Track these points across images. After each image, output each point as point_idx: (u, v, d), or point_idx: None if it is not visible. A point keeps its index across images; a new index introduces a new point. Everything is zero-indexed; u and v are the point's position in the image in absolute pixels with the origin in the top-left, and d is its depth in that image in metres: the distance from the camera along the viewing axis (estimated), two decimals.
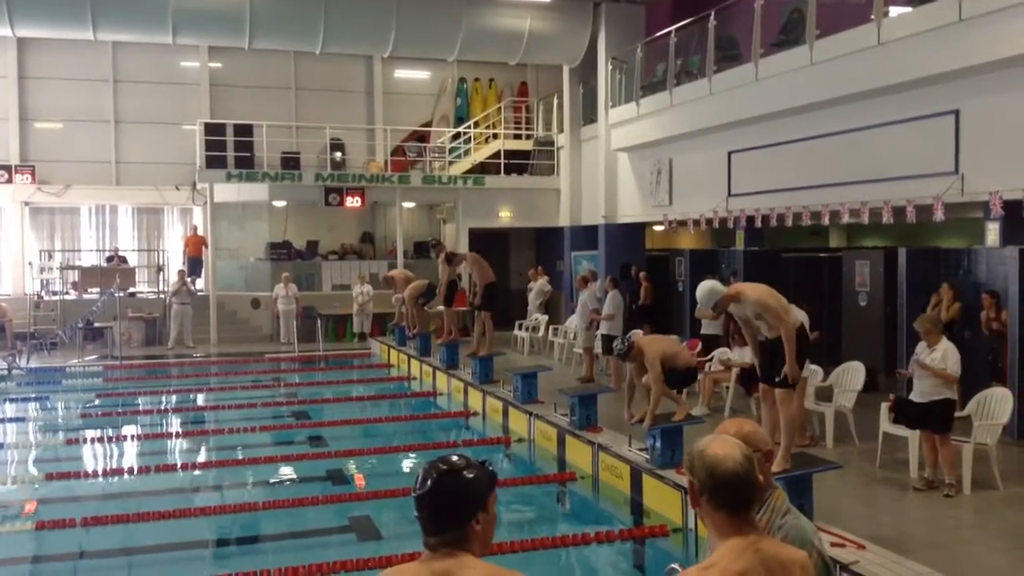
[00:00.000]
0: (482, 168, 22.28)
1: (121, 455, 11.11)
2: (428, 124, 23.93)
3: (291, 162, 20.87)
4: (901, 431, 8.51)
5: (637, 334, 11.78)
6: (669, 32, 15.92)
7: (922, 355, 8.04)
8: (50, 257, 21.54)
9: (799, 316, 7.74)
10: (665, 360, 8.91)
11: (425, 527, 2.44)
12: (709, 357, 12.49)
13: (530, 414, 11.14)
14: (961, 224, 16.38)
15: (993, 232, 10.94)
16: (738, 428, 3.09)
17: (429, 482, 2.41)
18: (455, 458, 2.49)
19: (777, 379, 7.28)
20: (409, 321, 17.07)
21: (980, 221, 11.53)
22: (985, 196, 9.70)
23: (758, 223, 14.19)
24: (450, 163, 22.63)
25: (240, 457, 10.47)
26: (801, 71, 12.08)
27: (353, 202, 21.07)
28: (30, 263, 20.92)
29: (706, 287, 7.44)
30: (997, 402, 8.36)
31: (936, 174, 10.29)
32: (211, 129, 20.67)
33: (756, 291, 7.34)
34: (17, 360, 17.13)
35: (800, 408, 8.18)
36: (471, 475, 2.43)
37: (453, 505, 2.41)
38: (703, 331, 13.77)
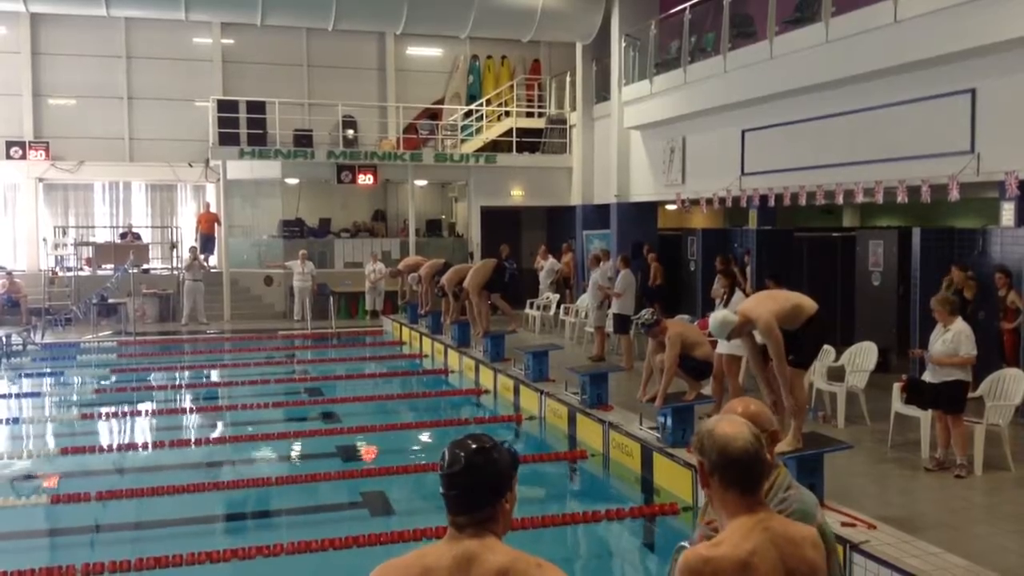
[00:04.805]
0: (494, 146, 22.23)
1: (135, 430, 11.21)
2: (440, 102, 23.87)
3: (303, 139, 20.88)
4: (913, 411, 8.49)
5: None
6: (683, 9, 15.79)
7: (936, 341, 8.00)
8: (64, 233, 21.66)
9: (812, 303, 7.66)
10: (685, 345, 8.89)
11: (455, 506, 2.41)
12: None
13: (541, 392, 11.17)
14: (976, 204, 16.28)
15: (1008, 212, 10.85)
16: (745, 408, 3.12)
17: (462, 460, 2.40)
18: (481, 437, 2.48)
19: (791, 358, 7.27)
20: (422, 299, 17.11)
21: (995, 201, 11.45)
22: (1001, 176, 9.63)
23: (771, 202, 14.13)
24: (462, 141, 22.59)
25: (253, 433, 10.54)
26: (816, 49, 11.97)
27: (365, 180, 21.07)
28: (44, 239, 21.06)
29: (718, 319, 7.34)
30: (1010, 383, 8.33)
31: (952, 153, 10.21)
32: (224, 106, 20.70)
33: (761, 313, 7.22)
34: (32, 336, 17.28)
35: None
36: (500, 454, 2.43)
37: (487, 483, 2.40)
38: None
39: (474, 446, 2.43)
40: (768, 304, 7.32)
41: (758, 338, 7.41)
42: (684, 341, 8.84)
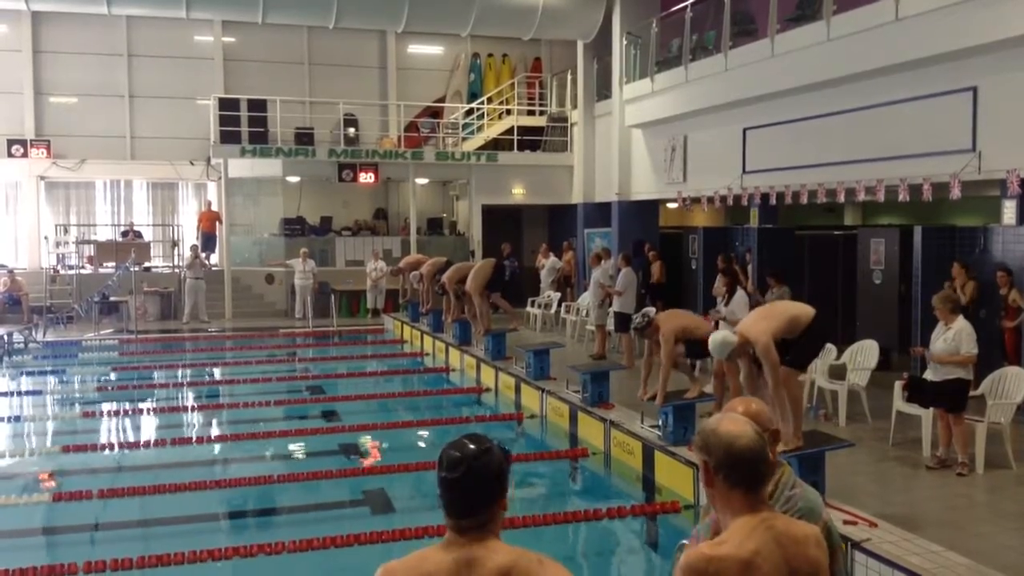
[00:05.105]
0: (495, 144, 22.22)
1: (137, 428, 11.20)
2: (441, 100, 23.87)
3: (305, 138, 20.88)
4: (914, 410, 8.50)
5: (650, 311, 11.77)
6: (685, 7, 15.79)
7: (937, 340, 7.99)
8: (66, 231, 21.68)
9: (808, 311, 7.65)
10: (685, 333, 8.96)
11: (454, 510, 2.40)
12: None
13: (542, 391, 11.17)
14: (977, 202, 16.26)
15: (1010, 210, 10.84)
16: (746, 407, 3.12)
17: (464, 464, 2.38)
18: (479, 438, 2.46)
19: (788, 358, 7.27)
20: (423, 298, 17.11)
21: (997, 199, 11.45)
22: (1002, 174, 9.63)
23: (772, 201, 14.12)
24: (463, 139, 22.58)
25: (255, 431, 10.54)
26: (818, 47, 11.97)
27: (366, 178, 21.06)
28: (46, 237, 21.07)
29: (717, 340, 7.34)
30: (1012, 381, 8.33)
31: (953, 151, 10.21)
32: (225, 104, 20.69)
33: (759, 334, 7.19)
34: (33, 334, 17.28)
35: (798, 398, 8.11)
36: (497, 455, 2.42)
37: (487, 486, 2.39)
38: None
39: (473, 448, 2.41)
40: (765, 323, 7.28)
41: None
42: (681, 330, 8.97)
